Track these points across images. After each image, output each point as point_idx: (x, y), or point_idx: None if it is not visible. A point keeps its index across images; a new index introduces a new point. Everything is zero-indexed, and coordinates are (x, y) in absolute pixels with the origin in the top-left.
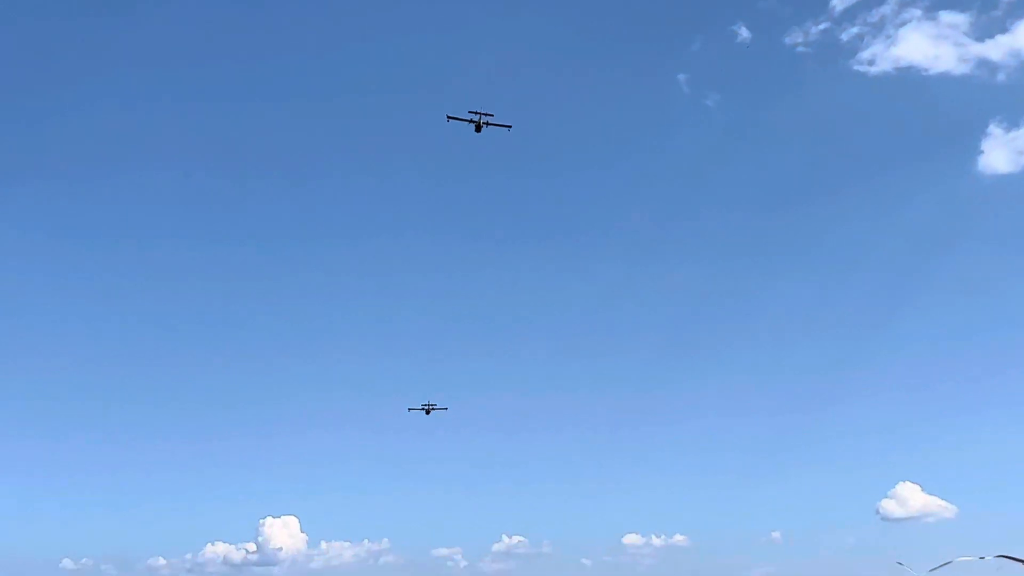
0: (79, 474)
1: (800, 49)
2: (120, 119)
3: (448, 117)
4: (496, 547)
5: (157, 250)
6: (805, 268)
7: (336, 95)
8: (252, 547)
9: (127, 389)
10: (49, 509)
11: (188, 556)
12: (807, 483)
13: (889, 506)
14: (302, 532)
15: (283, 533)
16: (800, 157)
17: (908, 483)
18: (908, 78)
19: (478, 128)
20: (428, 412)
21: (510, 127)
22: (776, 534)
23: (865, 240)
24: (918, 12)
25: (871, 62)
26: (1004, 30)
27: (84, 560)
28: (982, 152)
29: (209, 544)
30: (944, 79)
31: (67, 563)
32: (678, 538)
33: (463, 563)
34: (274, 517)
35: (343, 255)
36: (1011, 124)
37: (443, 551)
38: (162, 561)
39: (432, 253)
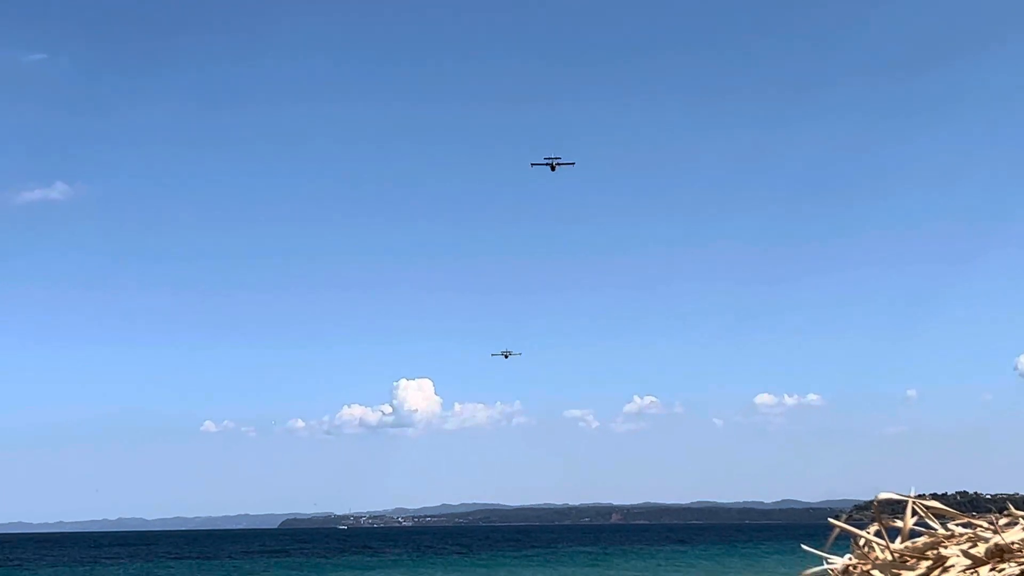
0: (218, 340)
1: None
2: None
3: (531, 164)
4: (628, 408)
5: (288, 116)
6: (945, 123)
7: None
8: (388, 409)
9: (261, 257)
10: (191, 374)
11: (326, 418)
12: (943, 339)
13: None
14: (436, 394)
15: (418, 395)
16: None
17: None
18: None
19: (552, 168)
20: (506, 356)
21: (574, 163)
22: (911, 392)
23: (1010, 97)
24: None
25: None
26: None
27: (225, 422)
28: None
29: (346, 406)
30: None
31: (209, 425)
32: (811, 397)
33: (595, 424)
34: (409, 379)
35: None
36: None
37: (575, 412)
38: (300, 423)
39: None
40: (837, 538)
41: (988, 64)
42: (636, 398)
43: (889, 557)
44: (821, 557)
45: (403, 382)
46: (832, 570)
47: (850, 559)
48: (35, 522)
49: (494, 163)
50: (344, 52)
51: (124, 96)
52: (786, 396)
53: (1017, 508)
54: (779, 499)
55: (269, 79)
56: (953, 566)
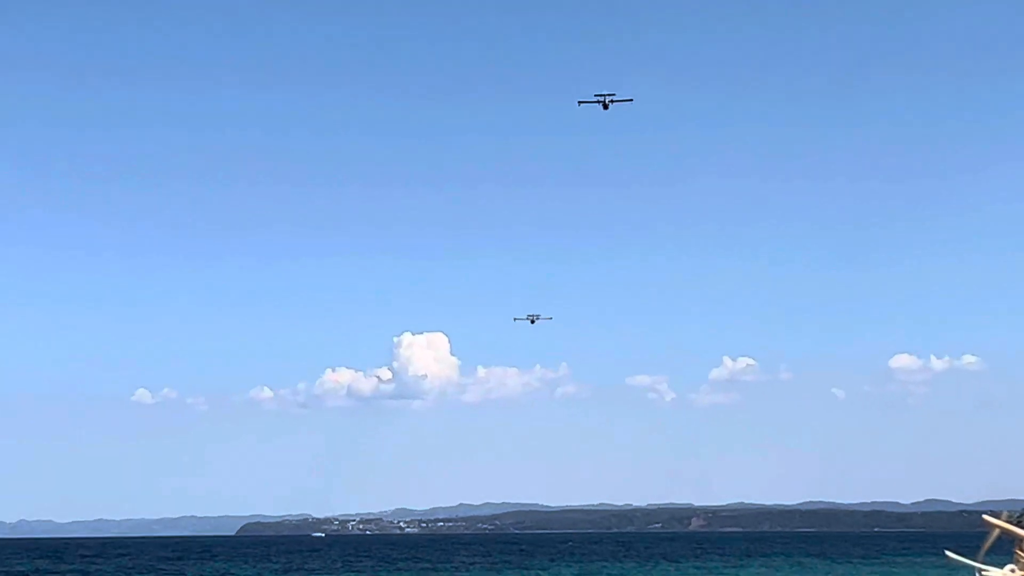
0: (154, 282)
1: None
2: None
3: (579, 102)
4: (715, 374)
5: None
6: None
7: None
8: (386, 373)
9: (208, 162)
10: (118, 328)
11: (301, 386)
12: None
13: None
14: (452, 355)
15: (426, 355)
16: None
17: None
18: None
19: (605, 106)
20: (532, 322)
21: (632, 100)
22: None
23: None
24: None
25: None
26: None
27: (165, 391)
28: None
29: (329, 370)
30: None
31: (143, 394)
32: (967, 360)
33: (669, 395)
34: (415, 334)
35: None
36: None
37: (642, 379)
38: (267, 393)
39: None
40: (996, 544)
41: None
42: (726, 360)
43: None
44: (972, 568)
45: (407, 337)
46: None
47: (1012, 570)
48: None
49: (542, 48)
50: None
51: None
52: (933, 358)
53: None
54: (921, 499)
55: None
56: None
